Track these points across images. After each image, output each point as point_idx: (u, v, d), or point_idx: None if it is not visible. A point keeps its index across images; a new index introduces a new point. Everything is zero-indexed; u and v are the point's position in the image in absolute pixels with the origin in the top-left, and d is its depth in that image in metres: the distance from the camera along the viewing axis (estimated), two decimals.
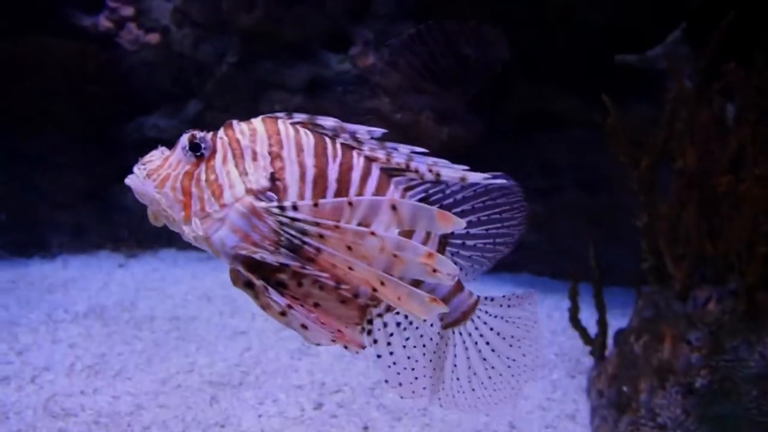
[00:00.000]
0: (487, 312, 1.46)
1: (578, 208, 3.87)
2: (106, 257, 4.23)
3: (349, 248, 1.15)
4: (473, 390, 1.47)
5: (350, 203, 1.16)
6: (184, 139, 1.23)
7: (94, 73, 4.25)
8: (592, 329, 2.82)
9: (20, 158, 4.04)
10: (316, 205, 1.17)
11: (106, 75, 4.33)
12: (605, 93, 2.72)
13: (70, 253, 4.24)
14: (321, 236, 1.15)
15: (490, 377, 1.47)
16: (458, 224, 1.17)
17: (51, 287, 3.71)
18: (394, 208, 1.15)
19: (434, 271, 1.15)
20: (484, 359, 1.47)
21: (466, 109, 3.86)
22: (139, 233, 4.35)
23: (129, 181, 1.23)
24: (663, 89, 2.79)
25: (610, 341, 2.70)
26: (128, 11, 4.66)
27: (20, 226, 4.19)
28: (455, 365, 1.46)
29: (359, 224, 1.16)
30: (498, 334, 1.47)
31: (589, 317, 2.85)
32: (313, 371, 2.86)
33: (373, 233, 1.14)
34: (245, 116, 3.81)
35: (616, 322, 2.77)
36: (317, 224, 1.15)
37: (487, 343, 1.47)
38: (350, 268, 1.16)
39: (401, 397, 1.42)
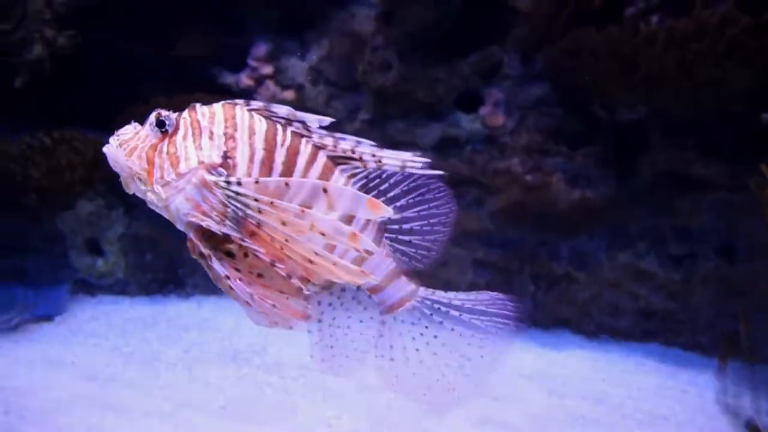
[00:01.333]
0: (436, 305, 1.50)
1: (717, 277, 3.68)
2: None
3: (284, 224, 1.26)
4: (414, 376, 1.51)
5: (287, 183, 1.28)
6: (152, 117, 1.36)
7: None
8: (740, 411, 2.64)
9: None
10: (257, 182, 1.29)
11: None
12: (752, 156, 2.61)
13: (204, 294, 4.48)
14: (260, 211, 1.27)
15: (435, 368, 1.50)
16: (387, 212, 1.28)
17: (187, 326, 3.92)
18: (325, 190, 1.27)
19: (355, 248, 1.27)
20: (431, 350, 1.50)
21: (598, 171, 3.81)
22: None
23: (105, 149, 1.36)
24: None
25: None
26: (267, 70, 4.98)
27: (161, 267, 4.48)
28: (399, 351, 1.51)
29: (298, 204, 1.28)
30: (447, 327, 1.50)
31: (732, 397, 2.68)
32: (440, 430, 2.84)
33: (303, 211, 1.25)
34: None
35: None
36: (257, 200, 1.27)
37: (435, 336, 1.50)
38: (286, 241, 1.26)
39: (322, 372, 1.50)
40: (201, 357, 3.50)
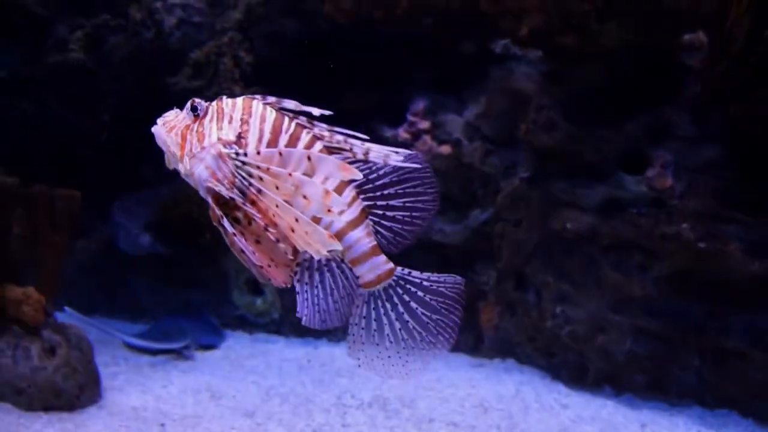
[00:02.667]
0: (408, 284, 1.71)
1: None
2: None
3: (277, 188, 1.53)
4: (378, 348, 1.72)
5: (280, 153, 1.57)
6: (188, 104, 1.65)
7: None
8: None
9: None
10: (258, 153, 1.59)
11: None
12: None
13: None
14: (260, 179, 1.55)
15: (398, 342, 1.71)
16: (355, 174, 1.54)
17: (339, 371, 4.02)
18: (309, 158, 1.56)
19: (329, 210, 1.55)
20: (396, 326, 1.71)
21: None
22: None
23: (154, 128, 1.65)
24: None
25: None
26: (425, 124, 5.11)
27: None
28: (370, 324, 1.71)
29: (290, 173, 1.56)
30: (414, 306, 1.72)
31: None
32: None
33: (290, 174, 1.53)
34: (537, 231, 3.85)
35: None
36: (258, 167, 1.55)
37: (402, 312, 1.71)
38: (277, 207, 1.54)
39: (303, 323, 1.70)
40: (352, 403, 3.57)
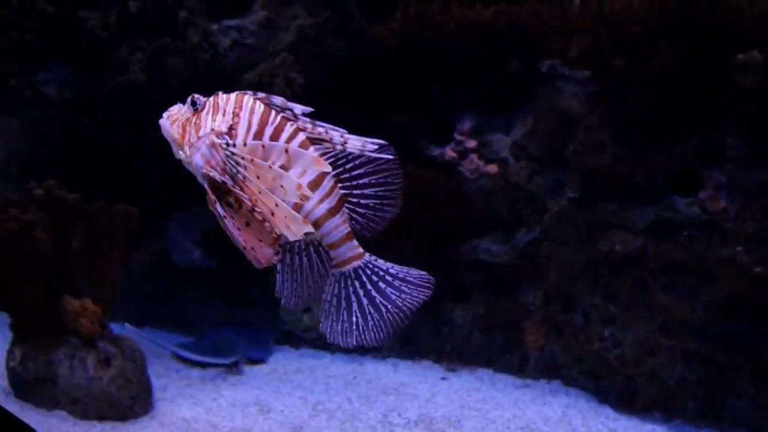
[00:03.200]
0: (376, 269, 1.90)
1: None
2: (429, 367, 4.50)
3: (258, 177, 1.73)
4: (347, 322, 1.91)
5: (263, 146, 1.75)
6: (189, 99, 1.84)
7: (441, 198, 4.72)
8: None
9: None
10: (245, 144, 1.77)
11: (450, 200, 4.77)
12: None
13: (399, 357, 4.61)
14: (245, 167, 1.74)
15: (364, 316, 1.91)
16: (325, 167, 1.74)
17: (385, 389, 4.05)
18: (286, 151, 1.73)
19: (303, 197, 1.75)
20: (364, 302, 1.90)
21: None
22: (460, 349, 4.58)
23: (160, 121, 1.85)
24: None
25: None
26: (472, 144, 5.12)
27: None
28: (340, 301, 1.91)
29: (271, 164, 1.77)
30: (379, 288, 1.90)
31: None
32: None
33: (270, 167, 1.72)
34: (584, 252, 3.81)
35: None
36: (243, 158, 1.75)
37: (369, 290, 1.90)
38: (260, 192, 1.73)
39: (281, 303, 1.89)
40: (399, 422, 3.59)
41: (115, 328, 3.85)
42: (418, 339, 4.66)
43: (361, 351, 4.72)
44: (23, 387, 3.60)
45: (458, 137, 5.16)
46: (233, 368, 4.31)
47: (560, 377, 4.34)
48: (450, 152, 5.20)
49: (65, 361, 3.56)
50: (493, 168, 4.94)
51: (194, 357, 4.35)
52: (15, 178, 4.92)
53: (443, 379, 4.34)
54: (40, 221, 3.58)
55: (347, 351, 4.72)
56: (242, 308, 5.03)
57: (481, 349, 4.60)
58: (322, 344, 4.81)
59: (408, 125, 5.02)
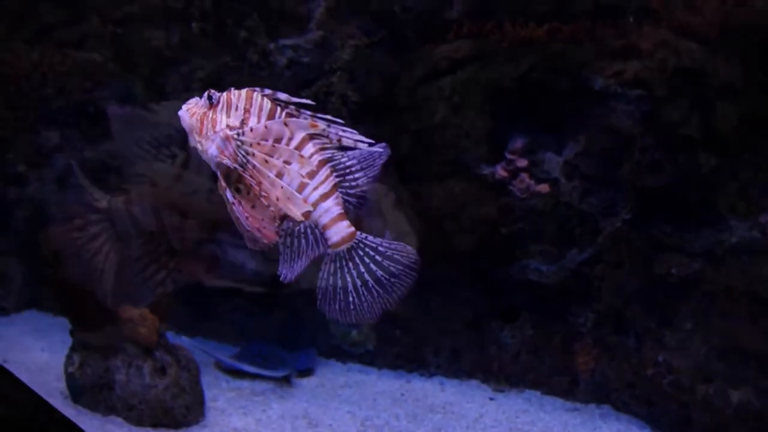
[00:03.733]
0: (367, 248, 2.04)
1: None
2: (477, 386, 4.47)
3: (266, 161, 1.94)
4: (340, 299, 2.04)
5: (266, 126, 1.95)
6: (206, 94, 2.02)
7: (491, 217, 4.71)
8: None
9: (424, 286, 4.60)
10: (251, 130, 1.96)
11: (500, 219, 4.75)
12: None
13: (446, 375, 4.59)
14: (253, 154, 1.95)
15: (358, 294, 2.04)
16: (321, 127, 1.94)
17: (433, 407, 4.04)
18: (286, 125, 1.94)
19: (305, 176, 1.95)
20: (357, 281, 2.04)
21: None
22: (508, 369, 4.54)
23: (180, 113, 2.02)
24: None
25: None
26: (523, 163, 5.09)
27: (408, 344, 4.71)
28: (336, 279, 2.04)
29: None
30: (371, 266, 2.04)
31: None
32: None
33: (273, 146, 1.94)
34: (638, 274, 3.73)
35: None
36: (251, 145, 1.94)
37: (361, 271, 2.04)
38: (267, 178, 1.93)
39: (280, 278, 2.01)
40: None
41: (170, 337, 3.95)
42: (466, 358, 4.64)
43: (409, 368, 4.72)
44: (80, 392, 3.72)
45: (509, 156, 5.14)
46: (285, 381, 4.36)
47: (610, 402, 4.26)
48: (501, 171, 5.18)
49: (122, 369, 3.66)
50: (544, 187, 4.91)
51: (251, 369, 4.40)
52: None
53: (491, 399, 4.30)
54: (103, 231, 3.71)
55: (394, 367, 4.72)
56: (291, 320, 5.08)
57: (529, 370, 4.55)
58: (369, 360, 4.83)
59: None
